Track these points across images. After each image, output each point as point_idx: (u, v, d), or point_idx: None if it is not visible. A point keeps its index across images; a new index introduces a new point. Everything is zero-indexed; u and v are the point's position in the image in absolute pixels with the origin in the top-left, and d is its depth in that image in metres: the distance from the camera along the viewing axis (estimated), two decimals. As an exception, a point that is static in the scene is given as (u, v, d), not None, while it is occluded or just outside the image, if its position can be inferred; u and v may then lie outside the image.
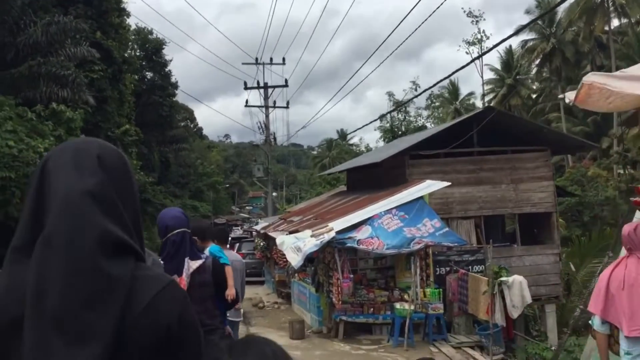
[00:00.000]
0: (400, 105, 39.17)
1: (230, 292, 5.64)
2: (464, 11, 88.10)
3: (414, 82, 47.06)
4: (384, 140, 41.84)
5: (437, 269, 17.20)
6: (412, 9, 14.52)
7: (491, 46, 16.38)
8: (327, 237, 14.57)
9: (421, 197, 15.66)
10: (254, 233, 31.93)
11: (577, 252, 20.28)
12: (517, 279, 14.76)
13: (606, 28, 55.39)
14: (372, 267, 17.20)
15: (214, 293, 5.40)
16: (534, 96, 65.65)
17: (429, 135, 18.57)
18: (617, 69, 45.98)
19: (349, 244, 14.53)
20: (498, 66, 63.64)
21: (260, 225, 29.51)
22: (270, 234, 21.11)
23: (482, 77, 67.64)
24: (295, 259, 14.46)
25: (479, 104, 61.45)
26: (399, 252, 14.57)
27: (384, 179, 19.14)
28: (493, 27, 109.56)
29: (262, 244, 25.62)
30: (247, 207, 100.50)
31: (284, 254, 16.56)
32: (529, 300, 14.81)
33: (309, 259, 16.14)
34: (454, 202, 18.09)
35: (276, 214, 36.08)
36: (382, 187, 18.40)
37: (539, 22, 57.59)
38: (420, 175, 17.65)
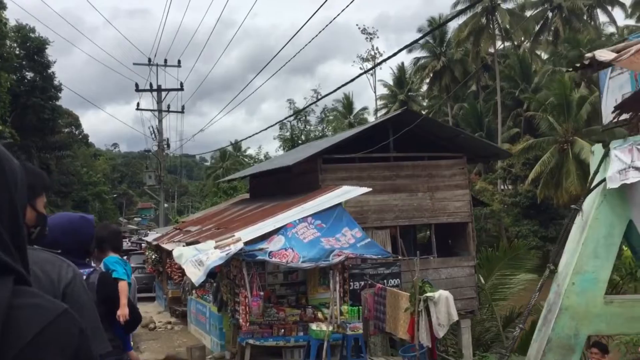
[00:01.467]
0: (299, 112, 37.35)
1: (122, 312, 4.54)
2: (359, 27, 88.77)
3: (315, 91, 45.52)
4: (283, 149, 39.88)
5: (352, 284, 15.36)
6: (304, 23, 12.74)
7: (383, 58, 14.81)
8: (233, 248, 12.29)
9: (339, 204, 13.75)
10: (144, 245, 28.76)
11: (485, 263, 19.12)
12: (443, 294, 13.11)
13: (491, 50, 56.87)
14: (281, 282, 15.11)
15: (102, 314, 3.57)
16: (424, 112, 66.30)
17: (344, 138, 16.73)
18: (502, 89, 46.61)
19: (259, 257, 12.35)
20: (391, 82, 63.94)
21: (152, 236, 26.46)
22: (163, 245, 18.37)
23: (375, 92, 67.83)
24: (196, 274, 12.05)
25: (371, 119, 61.12)
26: (317, 265, 12.52)
27: (294, 185, 17.11)
28: (387, 45, 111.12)
29: (153, 256, 22.73)
30: (135, 219, 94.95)
31: (180, 268, 14.07)
32: (455, 317, 13.21)
33: (210, 274, 13.71)
34: (370, 211, 16.36)
35: (168, 225, 33.03)
36: (291, 194, 16.35)
37: (430, 40, 58.29)
38: (334, 181, 15.79)
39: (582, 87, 45.16)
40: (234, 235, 13.03)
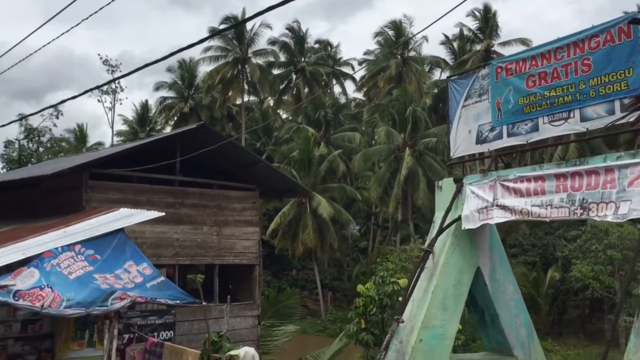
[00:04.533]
0: (31, 132, 31.10)
1: None
2: (100, 58, 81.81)
3: (56, 108, 38.72)
4: (8, 170, 32.69)
5: (112, 337, 11.37)
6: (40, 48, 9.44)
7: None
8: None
9: (121, 230, 9.98)
10: None
11: (268, 310, 16.52)
12: (249, 352, 10.07)
13: (238, 101, 56.21)
14: (17, 334, 10.47)
15: None
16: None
17: (120, 150, 12.91)
18: (245, 140, 45.57)
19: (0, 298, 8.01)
20: (132, 118, 58.98)
21: None
22: None
23: (112, 127, 61.95)
24: None
25: (108, 153, 55.14)
26: (90, 313, 8.55)
27: (43, 206, 12.64)
28: (128, 81, 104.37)
29: None
30: None
31: None
32: (261, 380, 10.26)
33: None
34: (145, 245, 12.60)
35: None
36: (39, 217, 11.90)
37: (179, 82, 55.53)
38: (103, 203, 11.92)
39: (322, 146, 46.39)
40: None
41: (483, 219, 8.81)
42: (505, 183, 8.58)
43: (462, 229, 9.06)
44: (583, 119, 7.94)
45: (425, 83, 51.06)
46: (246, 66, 52.42)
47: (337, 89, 60.77)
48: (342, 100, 58.58)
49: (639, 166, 7.00)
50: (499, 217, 8.59)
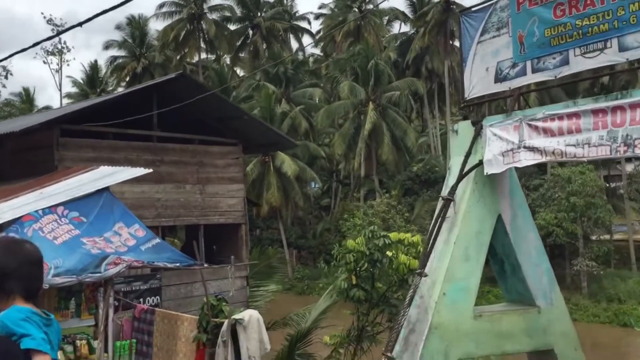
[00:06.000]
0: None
1: None
2: (44, 17, 77.49)
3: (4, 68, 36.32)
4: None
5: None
6: None
7: None
8: None
9: (106, 190, 8.90)
10: None
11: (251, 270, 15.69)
12: (254, 315, 9.29)
13: (195, 59, 54.03)
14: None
15: None
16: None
17: (93, 103, 11.63)
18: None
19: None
20: (82, 80, 56.05)
21: None
22: None
23: (60, 89, 59.09)
24: None
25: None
26: (81, 281, 7.56)
27: (9, 167, 11.28)
28: (75, 41, 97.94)
29: None
30: None
31: None
32: (268, 345, 9.45)
33: None
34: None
35: None
36: (6, 179, 10.64)
37: (129, 40, 52.81)
38: (76, 162, 10.77)
39: (283, 103, 45.12)
40: None
41: (508, 163, 8.10)
42: (533, 122, 7.85)
43: (485, 174, 8.34)
44: (622, 48, 7.22)
45: (384, 37, 50.06)
46: (202, 22, 50.21)
47: (295, 44, 59.20)
48: (300, 56, 57.03)
49: (693, 96, 6.37)
50: (527, 159, 7.88)
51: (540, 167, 34.29)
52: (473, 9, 9.15)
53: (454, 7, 41.47)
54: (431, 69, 44.35)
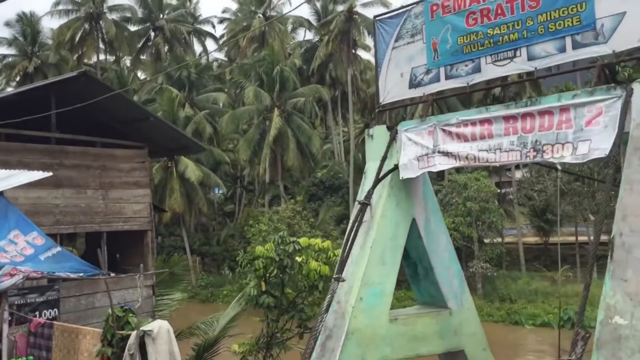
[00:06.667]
0: None
1: None
2: None
3: None
4: None
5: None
6: None
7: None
8: None
9: (0, 195, 8.11)
10: None
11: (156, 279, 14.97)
12: (163, 326, 8.77)
13: (93, 60, 51.54)
14: None
15: None
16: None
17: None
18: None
19: None
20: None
21: None
22: None
23: None
24: None
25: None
26: (-29, 296, 6.82)
27: None
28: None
29: None
30: None
31: None
32: (178, 357, 8.97)
33: None
34: (18, 212, 10.57)
35: None
36: None
37: (20, 38, 49.63)
38: (-37, 164, 9.71)
39: (187, 107, 43.99)
40: None
41: (423, 167, 8.18)
42: (447, 128, 7.98)
43: (400, 178, 8.38)
44: (531, 57, 7.48)
45: (289, 43, 50.14)
46: (101, 22, 48.03)
47: (198, 48, 58.01)
48: (204, 60, 55.93)
49: (596, 104, 6.67)
50: (441, 164, 8.00)
51: (439, 174, 35.51)
52: (388, 14, 9.20)
53: (357, 16, 42.28)
54: (335, 76, 44.88)
